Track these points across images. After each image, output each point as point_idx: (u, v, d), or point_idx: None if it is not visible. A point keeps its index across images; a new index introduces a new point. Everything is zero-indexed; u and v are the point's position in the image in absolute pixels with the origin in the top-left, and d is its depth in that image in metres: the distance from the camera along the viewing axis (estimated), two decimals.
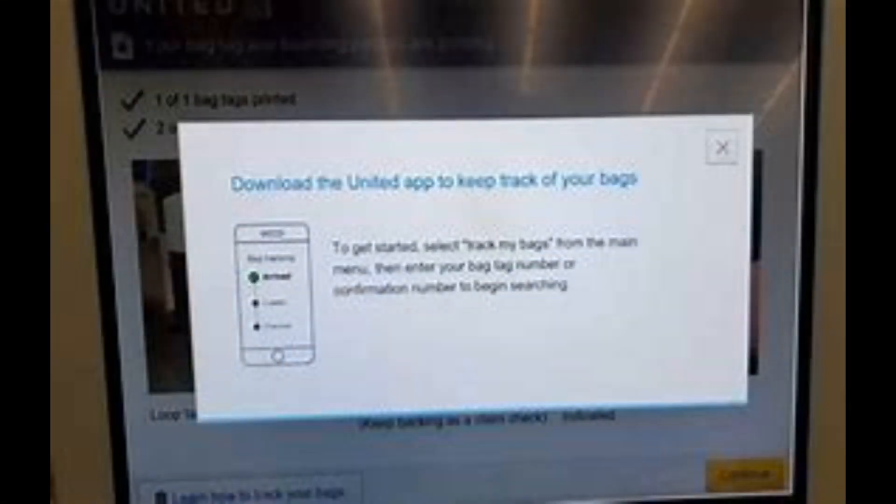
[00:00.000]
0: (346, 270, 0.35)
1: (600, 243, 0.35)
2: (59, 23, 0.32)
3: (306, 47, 0.34)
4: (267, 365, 0.35)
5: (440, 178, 0.35)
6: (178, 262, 0.34)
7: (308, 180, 0.34)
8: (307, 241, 0.35)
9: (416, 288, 0.35)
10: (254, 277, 0.35)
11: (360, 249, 0.35)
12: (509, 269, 0.35)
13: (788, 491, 0.38)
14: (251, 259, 0.35)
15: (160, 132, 0.34)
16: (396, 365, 0.36)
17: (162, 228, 0.34)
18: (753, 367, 0.37)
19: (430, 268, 0.35)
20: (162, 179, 0.34)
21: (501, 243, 0.35)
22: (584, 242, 0.35)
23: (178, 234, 0.34)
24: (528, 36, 0.34)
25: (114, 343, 0.35)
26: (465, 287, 0.35)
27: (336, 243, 0.35)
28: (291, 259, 0.35)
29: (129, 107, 0.34)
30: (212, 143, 0.34)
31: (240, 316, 0.35)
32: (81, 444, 0.35)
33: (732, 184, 0.36)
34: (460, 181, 0.35)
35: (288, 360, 0.35)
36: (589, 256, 0.35)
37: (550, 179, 0.35)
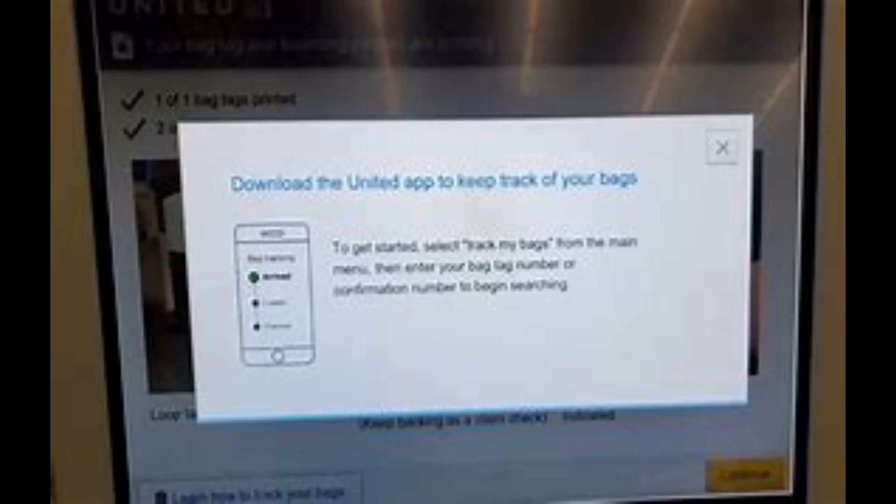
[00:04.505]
0: (346, 270, 0.35)
1: (600, 243, 0.35)
2: (59, 23, 0.32)
3: (306, 47, 0.34)
4: (267, 365, 0.35)
5: (440, 178, 0.35)
6: (178, 262, 0.34)
7: (308, 180, 0.34)
8: (307, 241, 0.35)
9: (416, 288, 0.35)
10: (254, 277, 0.35)
11: (360, 249, 0.35)
12: (509, 269, 0.35)
13: (788, 491, 0.38)
14: (251, 259, 0.35)
15: (160, 132, 0.34)
16: (396, 365, 0.36)
17: (162, 228, 0.34)
18: (753, 367, 0.37)
19: (430, 268, 0.35)
20: (162, 179, 0.34)
21: (501, 243, 0.35)
22: (584, 242, 0.35)
23: (178, 234, 0.34)
24: (528, 36, 0.34)
25: (114, 343, 0.35)
26: (465, 287, 0.35)
27: (336, 243, 0.35)
28: (291, 259, 0.35)
29: (129, 107, 0.34)
30: (212, 143, 0.34)
31: (240, 316, 0.35)
32: (81, 444, 0.35)
33: (732, 184, 0.35)
34: (460, 181, 0.35)
35: (288, 360, 0.35)
36: (589, 256, 0.35)
37: (550, 179, 0.35)
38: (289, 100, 0.34)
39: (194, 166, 0.34)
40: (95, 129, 0.33)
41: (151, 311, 0.35)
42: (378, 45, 0.34)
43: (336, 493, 0.37)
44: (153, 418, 0.35)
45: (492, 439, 0.37)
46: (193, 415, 0.35)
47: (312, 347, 0.35)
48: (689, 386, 0.37)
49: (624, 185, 0.35)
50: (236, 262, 0.35)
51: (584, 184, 0.35)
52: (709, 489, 0.38)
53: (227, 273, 0.35)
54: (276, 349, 0.35)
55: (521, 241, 0.35)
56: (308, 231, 0.35)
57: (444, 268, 0.35)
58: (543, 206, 0.35)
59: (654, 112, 0.35)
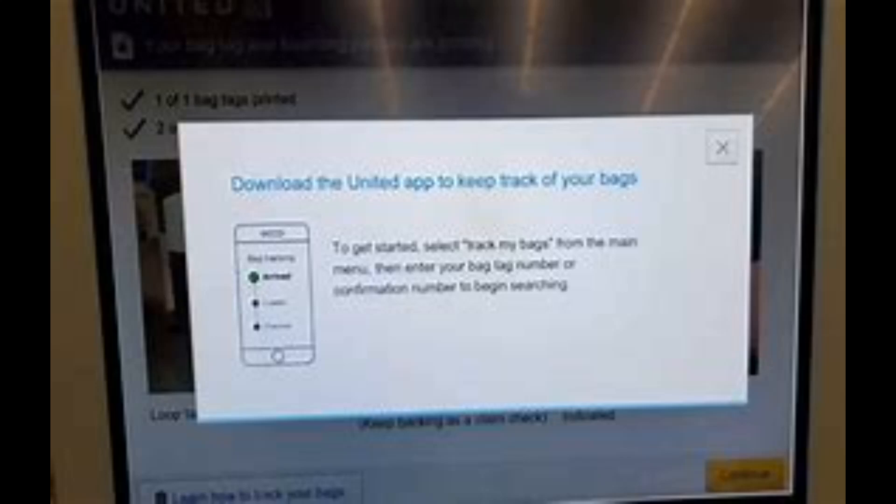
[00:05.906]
0: (346, 270, 0.35)
1: (600, 243, 0.35)
2: (59, 23, 0.32)
3: (306, 47, 0.34)
4: (267, 365, 0.35)
5: (440, 178, 0.35)
6: (178, 262, 0.34)
7: (308, 180, 0.34)
8: (307, 241, 0.35)
9: (416, 288, 0.35)
10: (254, 277, 0.35)
11: (360, 249, 0.35)
12: (509, 269, 0.35)
13: (788, 491, 0.38)
14: (251, 259, 0.35)
15: (160, 132, 0.34)
16: (396, 365, 0.36)
17: (162, 228, 0.34)
18: (753, 367, 0.37)
19: (430, 268, 0.35)
20: (162, 179, 0.34)
21: (501, 243, 0.35)
22: (584, 242, 0.35)
23: (178, 234, 0.34)
24: (528, 36, 0.34)
25: (114, 343, 0.35)
26: (465, 287, 0.35)
27: (336, 243, 0.35)
28: (291, 259, 0.35)
29: (129, 107, 0.34)
30: (212, 143, 0.34)
31: (240, 316, 0.35)
32: (81, 444, 0.35)
33: (732, 184, 0.36)
34: (460, 181, 0.35)
35: (288, 360, 0.35)
36: (589, 256, 0.35)
37: (550, 179, 0.35)
38: (289, 100, 0.34)
39: (194, 166, 0.34)
40: (95, 129, 0.33)
41: (151, 311, 0.35)
42: (378, 45, 0.34)
43: (336, 493, 0.37)
44: (153, 418, 0.35)
45: (492, 439, 0.37)
46: (193, 415, 0.35)
47: (312, 347, 0.35)
48: (689, 386, 0.37)
49: (624, 185, 0.35)
50: (236, 262, 0.35)
51: (584, 184, 0.35)
52: (709, 489, 0.38)
53: (227, 273, 0.35)
54: (276, 349, 0.35)
55: (521, 241, 0.35)
56: (308, 231, 0.35)
57: (444, 268, 0.35)
58: (543, 206, 0.35)
59: (654, 112, 0.35)
